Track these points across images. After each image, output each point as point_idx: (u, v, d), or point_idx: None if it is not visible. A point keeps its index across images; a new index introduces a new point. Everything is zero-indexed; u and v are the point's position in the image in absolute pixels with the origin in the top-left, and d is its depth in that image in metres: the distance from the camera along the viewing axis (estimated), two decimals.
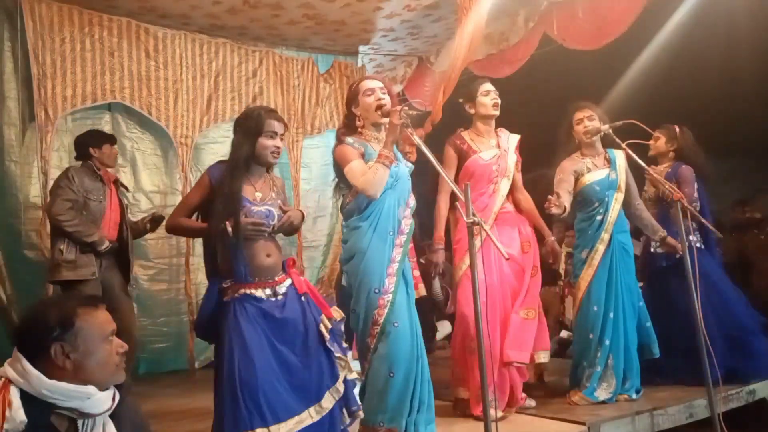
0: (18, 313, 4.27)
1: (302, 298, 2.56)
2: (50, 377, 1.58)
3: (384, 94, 2.88)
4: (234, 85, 5.40)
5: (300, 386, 2.44)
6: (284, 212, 2.60)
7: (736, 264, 5.24)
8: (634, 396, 3.55)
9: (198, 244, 5.20)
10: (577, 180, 3.67)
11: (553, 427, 3.18)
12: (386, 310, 2.70)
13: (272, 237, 2.59)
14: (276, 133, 2.54)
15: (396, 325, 2.71)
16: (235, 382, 2.35)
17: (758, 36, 4.81)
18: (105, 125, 4.94)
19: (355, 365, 2.69)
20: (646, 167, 3.46)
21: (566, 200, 3.54)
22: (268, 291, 2.50)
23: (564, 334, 5.85)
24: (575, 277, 3.69)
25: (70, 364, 1.60)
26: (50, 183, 4.37)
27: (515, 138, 3.57)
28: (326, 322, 2.54)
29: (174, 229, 2.68)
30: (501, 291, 3.31)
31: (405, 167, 2.95)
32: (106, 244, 3.77)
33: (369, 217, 2.78)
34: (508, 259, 3.06)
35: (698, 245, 3.87)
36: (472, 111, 3.49)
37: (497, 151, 3.46)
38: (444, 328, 5.98)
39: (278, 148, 2.57)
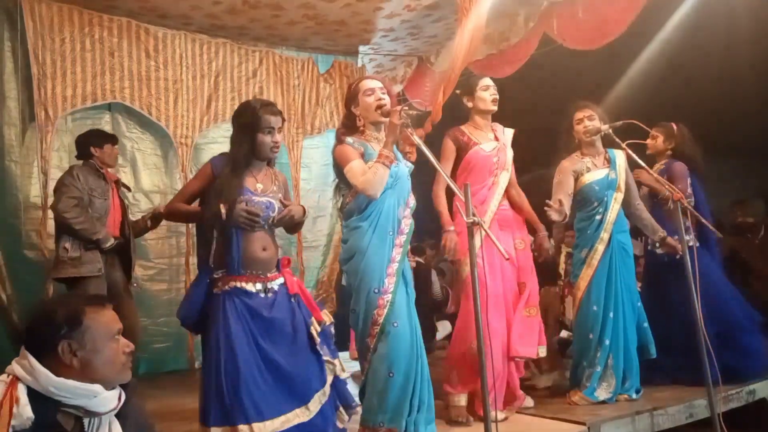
0: (18, 313, 4.28)
1: (292, 299, 2.56)
2: (57, 375, 1.58)
3: (384, 94, 2.88)
4: (234, 85, 5.40)
5: (287, 386, 2.44)
6: (285, 206, 2.60)
7: (735, 264, 5.24)
8: (634, 396, 3.55)
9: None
10: (576, 180, 3.67)
11: (553, 427, 3.18)
12: (386, 310, 2.70)
13: (271, 231, 2.60)
14: (273, 129, 2.55)
15: (396, 325, 2.71)
16: (219, 378, 2.37)
17: (758, 36, 4.81)
18: (105, 125, 4.93)
19: (354, 365, 2.69)
20: (646, 167, 3.45)
21: (566, 205, 3.55)
22: (259, 286, 2.51)
23: (564, 334, 5.85)
24: (575, 277, 3.69)
25: (77, 362, 1.61)
26: (50, 183, 4.38)
27: (510, 132, 3.58)
28: (316, 325, 2.54)
29: (171, 214, 2.70)
30: (503, 289, 3.31)
31: (405, 167, 2.95)
32: (111, 241, 3.81)
33: (369, 217, 2.78)
34: (507, 259, 3.05)
35: (691, 243, 3.88)
36: (470, 105, 3.48)
37: (497, 143, 3.47)
38: (444, 328, 5.98)
39: (277, 143, 2.58)
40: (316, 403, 2.47)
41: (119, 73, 4.83)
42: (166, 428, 3.32)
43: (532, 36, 4.93)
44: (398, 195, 2.86)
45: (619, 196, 3.65)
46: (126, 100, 4.88)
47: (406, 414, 2.71)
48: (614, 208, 3.62)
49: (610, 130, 3.54)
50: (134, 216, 4.47)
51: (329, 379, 2.56)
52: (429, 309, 5.63)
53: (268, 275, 2.55)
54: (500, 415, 3.18)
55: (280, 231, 2.75)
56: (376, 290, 2.71)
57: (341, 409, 2.62)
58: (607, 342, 3.51)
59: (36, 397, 1.57)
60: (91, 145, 3.94)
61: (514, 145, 4.28)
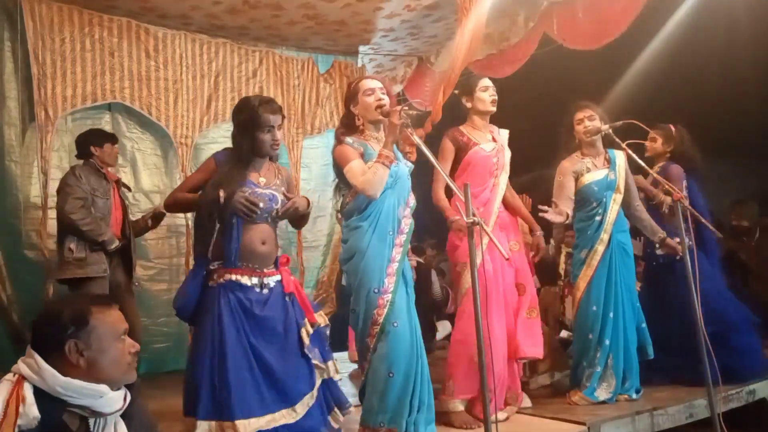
0: (18, 313, 4.28)
1: (287, 297, 2.55)
2: (63, 374, 1.59)
3: (383, 94, 2.88)
4: (234, 85, 5.39)
5: (275, 386, 2.43)
6: (288, 199, 2.61)
7: (734, 266, 5.24)
8: (634, 396, 3.55)
9: None
10: (576, 180, 3.67)
11: (553, 427, 3.18)
12: (386, 310, 2.70)
13: (273, 225, 2.60)
14: (273, 127, 2.55)
15: (395, 325, 2.71)
16: (207, 372, 2.37)
17: (758, 36, 4.81)
18: (105, 125, 4.93)
19: (352, 367, 2.67)
20: (647, 167, 3.45)
21: (567, 206, 3.54)
22: (255, 280, 2.51)
23: (564, 334, 5.85)
24: (575, 277, 3.70)
25: (84, 361, 1.61)
26: (50, 183, 4.39)
27: (506, 132, 3.57)
28: (308, 327, 2.54)
29: (172, 204, 2.70)
30: (504, 292, 3.31)
31: (405, 166, 2.95)
32: (116, 242, 3.82)
33: (369, 217, 2.78)
34: (508, 259, 3.05)
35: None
36: (469, 105, 3.47)
37: (495, 144, 3.46)
38: (444, 328, 5.98)
39: (276, 140, 2.58)
40: (303, 406, 2.46)
41: (119, 73, 4.83)
42: (166, 428, 3.30)
43: (532, 36, 4.93)
44: (398, 195, 2.86)
45: (618, 197, 3.65)
46: (126, 100, 4.88)
47: (407, 414, 2.71)
48: (613, 208, 3.62)
49: (610, 130, 3.54)
50: (134, 216, 4.47)
51: (318, 381, 2.54)
52: (429, 309, 5.63)
53: (265, 270, 2.54)
54: (501, 415, 3.18)
55: (281, 230, 2.75)
56: (376, 290, 2.71)
57: (336, 410, 2.61)
58: (607, 342, 3.51)
59: (42, 397, 1.58)
60: (91, 144, 3.95)
61: (513, 145, 4.28)
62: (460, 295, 3.30)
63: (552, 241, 6.35)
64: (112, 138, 4.11)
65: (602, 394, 3.50)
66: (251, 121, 2.52)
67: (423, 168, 3.11)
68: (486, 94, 3.42)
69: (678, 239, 3.76)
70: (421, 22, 5.31)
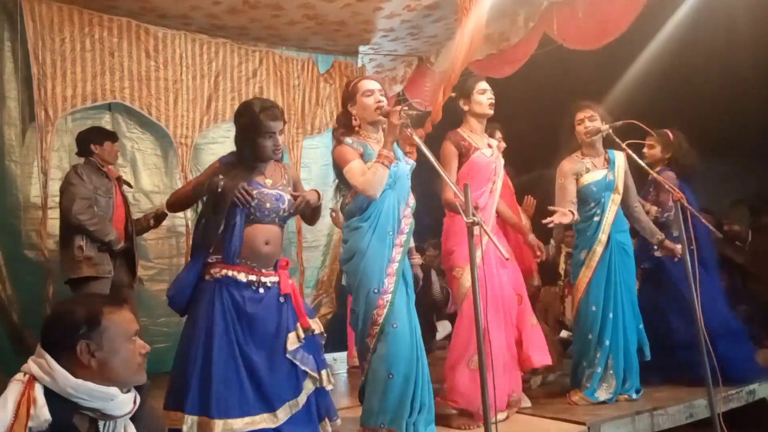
0: (18, 313, 4.28)
1: (281, 298, 2.54)
2: (74, 375, 1.58)
3: (382, 96, 2.89)
4: (234, 85, 5.39)
5: (259, 388, 2.42)
6: (296, 198, 2.61)
7: (732, 270, 5.23)
8: (634, 396, 3.55)
9: None
10: (576, 180, 3.67)
11: (553, 427, 3.18)
12: (385, 310, 2.70)
13: (279, 225, 2.59)
14: (273, 133, 2.55)
15: (395, 326, 2.71)
16: (196, 366, 2.37)
17: (758, 36, 4.81)
18: (105, 125, 4.91)
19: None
20: (647, 168, 3.45)
21: (572, 208, 3.54)
22: (251, 278, 2.50)
23: (564, 334, 5.85)
24: (574, 278, 3.69)
25: (95, 362, 1.60)
26: (50, 183, 4.39)
27: (495, 141, 3.56)
28: (300, 331, 2.52)
29: (173, 202, 2.69)
30: (502, 298, 3.30)
31: (405, 165, 2.95)
32: (122, 243, 3.83)
33: (369, 217, 2.78)
34: (507, 259, 3.05)
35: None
36: (466, 108, 3.42)
37: (492, 149, 3.45)
38: (444, 328, 5.99)
39: (278, 146, 2.58)
40: (284, 412, 2.44)
41: (119, 73, 4.82)
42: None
43: (532, 36, 4.93)
44: (398, 194, 2.86)
45: (617, 198, 3.65)
46: (126, 100, 4.88)
47: (407, 415, 2.71)
48: (612, 209, 3.62)
49: (610, 130, 3.53)
50: (134, 216, 4.47)
51: (310, 389, 2.52)
52: (429, 309, 5.63)
53: (263, 271, 2.54)
54: (501, 415, 3.18)
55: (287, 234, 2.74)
56: (376, 290, 2.71)
57: (326, 419, 2.59)
58: (607, 342, 3.51)
59: (52, 398, 1.56)
60: (92, 142, 3.96)
61: (513, 145, 4.28)
62: (459, 298, 3.28)
63: (552, 241, 6.36)
64: (112, 136, 4.12)
65: (602, 394, 3.50)
66: (252, 127, 2.52)
67: (423, 168, 3.11)
68: (484, 97, 3.38)
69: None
70: (421, 22, 5.31)
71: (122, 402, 1.64)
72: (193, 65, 5.18)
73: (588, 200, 3.64)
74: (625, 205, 3.70)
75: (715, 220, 4.76)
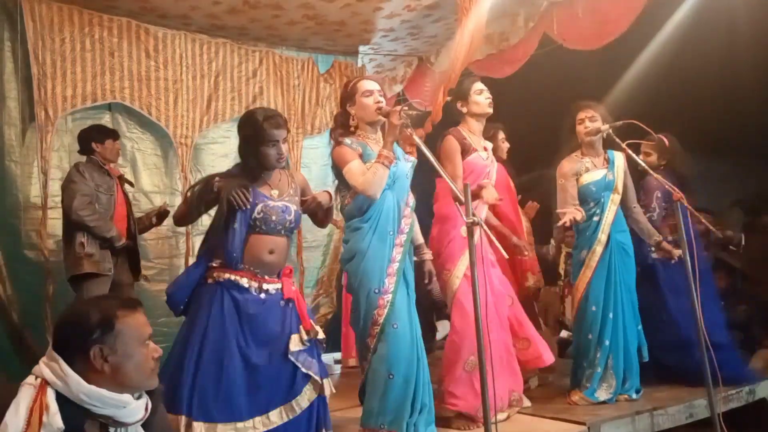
0: (18, 313, 4.28)
1: (283, 302, 2.54)
2: (86, 380, 1.55)
3: (382, 96, 2.89)
4: (234, 85, 5.39)
5: (256, 391, 2.41)
6: (304, 202, 2.64)
7: (727, 274, 5.22)
8: (634, 396, 3.55)
9: (198, 244, 5.20)
10: (576, 180, 3.67)
11: (553, 427, 3.18)
12: (386, 311, 2.70)
13: (286, 235, 2.59)
14: (277, 141, 2.55)
15: (395, 326, 2.71)
16: (191, 367, 2.38)
17: (758, 36, 4.80)
18: (105, 125, 4.93)
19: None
20: (646, 167, 3.45)
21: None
22: (254, 284, 2.49)
23: (564, 334, 5.85)
24: (574, 278, 3.70)
25: (108, 367, 1.58)
26: (50, 183, 4.39)
27: (490, 144, 3.56)
28: (303, 333, 2.51)
29: (177, 216, 2.69)
30: (494, 296, 3.29)
31: (405, 163, 2.95)
32: (123, 240, 3.82)
33: (369, 218, 2.78)
34: (508, 259, 3.05)
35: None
36: (465, 109, 3.42)
37: (488, 153, 3.45)
38: (444, 328, 5.97)
39: (281, 154, 2.58)
40: (277, 415, 2.43)
41: (119, 73, 4.82)
42: None
43: (532, 36, 4.92)
44: (398, 194, 2.86)
45: (616, 198, 3.65)
46: (126, 100, 4.87)
47: (407, 416, 2.71)
48: (611, 209, 3.63)
49: (610, 130, 3.53)
50: (135, 215, 4.47)
51: (309, 395, 2.50)
52: (429, 309, 5.62)
53: (266, 278, 2.53)
54: (501, 415, 3.18)
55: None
56: (377, 290, 2.72)
57: (324, 430, 2.57)
58: (607, 342, 3.51)
59: (64, 403, 1.54)
60: (93, 140, 3.99)
61: (513, 144, 4.29)
62: (449, 300, 3.27)
63: (552, 241, 6.36)
64: (113, 134, 4.14)
65: (602, 394, 3.50)
66: (255, 136, 2.53)
67: (423, 168, 3.11)
68: (482, 97, 3.39)
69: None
70: (421, 22, 5.30)
71: (134, 409, 1.62)
72: (193, 65, 5.18)
73: (587, 200, 3.64)
74: (623, 206, 3.71)
75: (714, 221, 4.75)
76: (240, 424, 2.36)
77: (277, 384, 2.45)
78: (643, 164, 3.44)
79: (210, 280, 2.50)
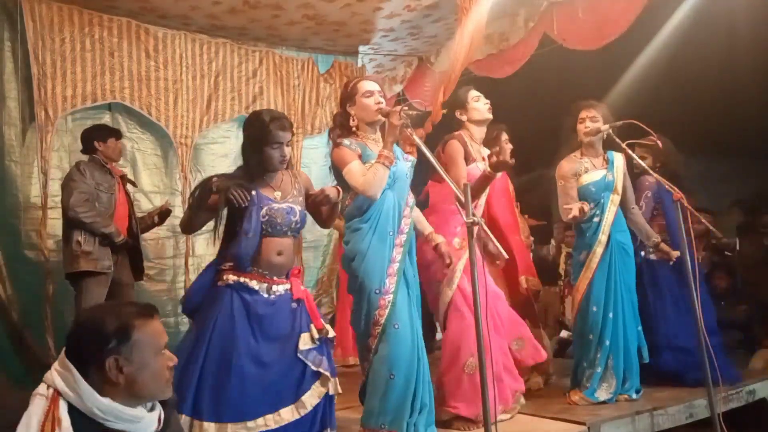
0: (18, 313, 4.28)
1: (294, 304, 2.55)
2: (99, 391, 1.51)
3: (382, 97, 2.89)
4: (234, 85, 5.39)
5: (267, 389, 2.42)
6: (311, 197, 2.65)
7: (723, 278, 5.22)
8: (634, 396, 3.55)
9: (198, 244, 5.22)
10: (575, 180, 3.67)
11: (553, 427, 3.18)
12: (387, 311, 2.70)
13: (293, 236, 2.60)
14: (281, 144, 2.55)
15: (396, 326, 2.71)
16: (197, 368, 2.37)
17: (758, 36, 4.80)
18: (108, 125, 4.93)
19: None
20: (646, 167, 3.45)
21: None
22: (264, 285, 2.51)
23: (564, 334, 5.86)
24: (575, 279, 3.69)
25: (123, 378, 1.52)
26: (50, 183, 4.39)
27: (486, 150, 3.53)
28: (314, 332, 2.52)
29: (184, 222, 2.68)
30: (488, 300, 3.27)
31: (405, 163, 2.95)
32: (122, 237, 3.82)
33: (369, 219, 2.78)
34: (507, 259, 3.05)
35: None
36: (464, 118, 3.42)
37: (485, 164, 3.42)
38: None
39: (285, 156, 2.58)
40: (289, 413, 2.44)
41: (119, 73, 4.82)
42: None
43: (532, 36, 4.92)
44: (398, 194, 2.86)
45: (616, 198, 3.65)
46: (126, 100, 4.87)
47: (407, 416, 2.71)
48: (611, 209, 3.62)
49: (610, 131, 3.53)
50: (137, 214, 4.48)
51: (319, 392, 2.50)
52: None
53: (275, 279, 2.55)
54: (505, 416, 3.18)
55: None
56: (377, 291, 2.72)
57: (328, 429, 2.57)
58: (607, 342, 3.51)
59: (76, 416, 1.48)
60: (95, 139, 4.00)
61: (513, 145, 4.26)
62: (440, 313, 3.20)
63: (552, 241, 6.37)
64: (116, 133, 4.15)
65: (602, 394, 3.50)
66: (261, 137, 2.53)
67: (420, 168, 3.11)
68: (480, 104, 3.39)
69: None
70: (421, 22, 5.30)
71: (148, 423, 1.58)
72: (193, 65, 5.18)
73: (587, 201, 3.63)
74: (622, 207, 3.70)
75: (714, 221, 4.75)
76: (251, 423, 2.37)
77: (287, 382, 2.46)
78: (643, 164, 3.43)
79: (220, 282, 2.51)
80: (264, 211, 2.50)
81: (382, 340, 2.70)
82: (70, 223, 3.81)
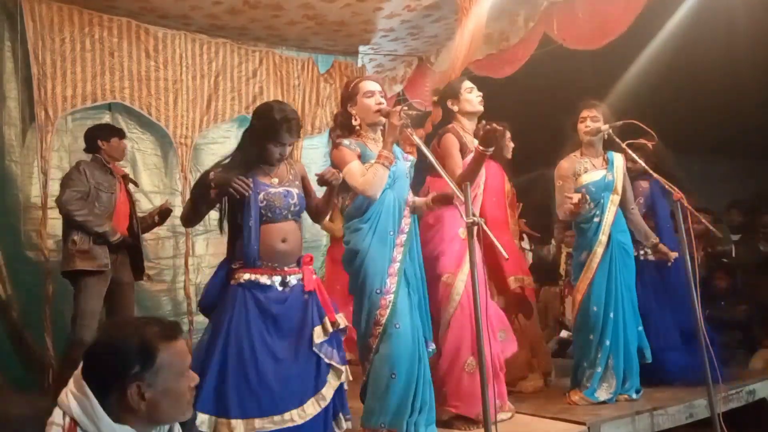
0: (18, 313, 4.28)
1: (307, 296, 2.56)
2: (117, 418, 1.42)
3: (383, 97, 2.89)
4: (234, 85, 5.39)
5: (287, 385, 2.44)
6: (307, 194, 2.69)
7: (729, 271, 5.21)
8: (634, 396, 3.55)
9: (198, 244, 5.23)
10: (574, 180, 3.67)
11: (553, 427, 3.18)
12: (388, 311, 2.71)
13: (294, 220, 2.62)
14: (284, 144, 2.57)
15: (398, 326, 2.71)
16: (212, 367, 2.38)
17: (758, 36, 4.81)
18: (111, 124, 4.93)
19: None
20: (646, 167, 3.45)
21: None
22: (276, 278, 2.52)
23: (564, 334, 5.86)
24: (575, 279, 3.69)
25: (144, 405, 1.44)
26: (50, 183, 4.39)
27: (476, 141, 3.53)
28: (327, 325, 2.54)
29: (184, 216, 2.70)
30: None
31: (405, 162, 2.95)
32: (118, 235, 3.82)
33: (369, 219, 2.78)
34: (507, 259, 3.04)
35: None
36: (456, 108, 3.36)
37: None
38: None
39: (283, 155, 2.61)
40: (312, 407, 2.46)
41: (119, 73, 4.82)
42: None
43: (532, 36, 4.92)
44: (397, 194, 2.86)
45: (616, 198, 3.65)
46: (126, 100, 4.87)
47: (407, 416, 2.71)
48: (611, 209, 3.62)
49: (610, 130, 3.53)
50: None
51: (333, 384, 2.53)
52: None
53: (286, 269, 2.56)
54: (505, 415, 3.17)
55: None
56: (378, 290, 2.72)
57: (340, 415, 2.61)
58: (608, 343, 3.51)
59: None
60: (99, 138, 4.00)
61: (514, 144, 4.26)
62: (452, 306, 3.13)
63: (553, 241, 6.36)
64: (119, 133, 4.15)
65: (602, 394, 3.50)
66: (266, 132, 2.55)
67: (422, 168, 3.11)
68: (473, 95, 3.34)
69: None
70: (421, 22, 5.30)
71: None
72: (193, 65, 5.18)
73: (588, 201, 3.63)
74: (622, 207, 3.70)
75: (713, 220, 4.75)
76: (277, 417, 2.38)
77: (306, 376, 2.48)
78: (643, 164, 3.43)
79: (233, 282, 2.53)
80: (261, 196, 2.52)
81: (383, 340, 2.71)
82: (67, 222, 3.82)
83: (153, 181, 5.22)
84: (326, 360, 2.52)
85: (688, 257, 3.15)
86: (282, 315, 2.50)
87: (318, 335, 2.52)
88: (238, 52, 5.42)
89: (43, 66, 4.46)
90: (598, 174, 3.66)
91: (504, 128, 4.07)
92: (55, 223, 4.32)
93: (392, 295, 2.72)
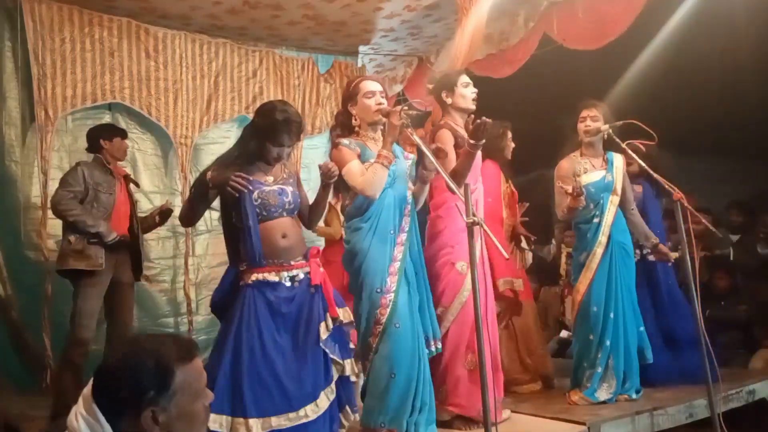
0: (18, 313, 4.28)
1: (313, 289, 2.58)
2: None
3: (383, 97, 2.89)
4: (234, 85, 5.39)
5: (300, 382, 2.46)
6: (301, 195, 2.70)
7: (730, 272, 5.21)
8: (634, 396, 3.55)
9: (198, 244, 5.23)
10: (574, 180, 3.66)
11: (553, 427, 3.18)
12: (388, 310, 2.71)
13: (291, 216, 2.63)
14: (284, 146, 2.58)
15: (398, 326, 2.71)
16: (224, 368, 2.40)
17: (758, 36, 4.81)
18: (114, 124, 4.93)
19: None
20: (646, 167, 3.44)
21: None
22: (284, 274, 2.54)
23: (564, 334, 5.86)
24: (575, 279, 3.69)
25: (158, 429, 1.37)
26: (50, 183, 4.38)
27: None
28: (329, 321, 2.55)
29: (183, 215, 2.73)
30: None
31: (405, 160, 2.95)
32: (114, 235, 3.80)
33: (370, 218, 2.78)
34: (507, 260, 3.04)
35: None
36: (449, 101, 3.29)
37: None
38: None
39: (281, 156, 2.63)
40: (324, 401, 2.49)
41: (119, 73, 4.82)
42: None
43: (532, 36, 4.92)
44: (398, 193, 2.86)
45: (616, 199, 3.65)
46: (126, 100, 4.87)
47: (407, 415, 2.71)
48: (611, 210, 3.62)
49: (610, 130, 3.53)
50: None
51: (335, 377, 2.57)
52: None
53: (292, 263, 2.57)
54: (505, 413, 3.17)
55: None
56: (379, 290, 2.72)
57: (347, 407, 2.64)
58: (608, 343, 3.51)
59: None
60: (101, 138, 4.00)
61: (515, 144, 4.25)
62: (460, 302, 3.10)
63: (553, 241, 6.36)
64: (121, 132, 4.15)
65: (603, 394, 3.50)
66: (267, 132, 2.57)
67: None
68: (468, 90, 3.27)
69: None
70: (421, 22, 5.30)
71: None
72: (193, 65, 5.18)
73: (587, 201, 3.63)
74: (622, 208, 3.70)
75: (713, 220, 4.75)
76: (292, 414, 2.41)
77: (317, 371, 2.51)
78: (643, 164, 3.43)
79: (242, 283, 2.55)
80: (256, 194, 2.53)
81: (383, 340, 2.71)
82: (63, 222, 3.81)
83: (153, 181, 5.22)
84: (330, 355, 2.55)
85: (688, 257, 3.15)
86: (291, 313, 2.53)
87: (323, 331, 2.55)
88: (238, 52, 5.42)
89: (43, 66, 4.46)
90: (598, 174, 3.66)
91: (505, 129, 4.07)
92: (55, 223, 4.31)
93: (392, 295, 2.72)
